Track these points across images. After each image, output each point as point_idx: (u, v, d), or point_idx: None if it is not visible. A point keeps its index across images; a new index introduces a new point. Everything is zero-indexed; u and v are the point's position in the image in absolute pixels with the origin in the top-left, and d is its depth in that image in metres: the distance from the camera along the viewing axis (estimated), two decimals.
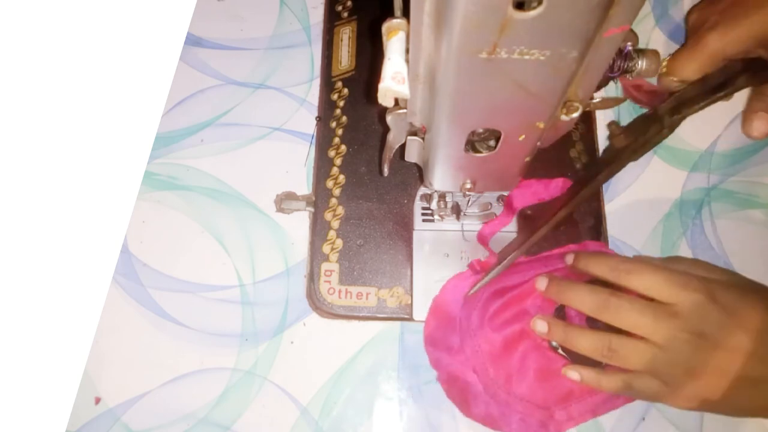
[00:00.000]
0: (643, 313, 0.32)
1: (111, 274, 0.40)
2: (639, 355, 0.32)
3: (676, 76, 0.37)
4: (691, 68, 0.37)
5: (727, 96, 0.35)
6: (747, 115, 0.40)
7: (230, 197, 0.42)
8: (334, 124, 0.42)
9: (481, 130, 0.27)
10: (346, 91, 0.43)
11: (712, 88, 0.36)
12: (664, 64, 0.38)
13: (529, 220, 0.39)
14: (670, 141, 0.43)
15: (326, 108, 0.43)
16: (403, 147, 0.30)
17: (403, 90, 0.22)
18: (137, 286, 0.40)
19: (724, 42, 0.36)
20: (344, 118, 0.42)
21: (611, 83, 0.38)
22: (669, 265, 0.35)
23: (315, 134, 0.43)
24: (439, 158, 0.29)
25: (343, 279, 0.39)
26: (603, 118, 0.43)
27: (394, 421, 0.37)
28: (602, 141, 0.42)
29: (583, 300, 0.34)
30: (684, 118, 0.35)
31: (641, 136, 0.36)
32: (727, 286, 0.32)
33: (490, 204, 0.40)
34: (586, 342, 0.33)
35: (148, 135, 0.43)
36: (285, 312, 0.39)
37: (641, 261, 0.35)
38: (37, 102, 0.44)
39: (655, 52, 0.35)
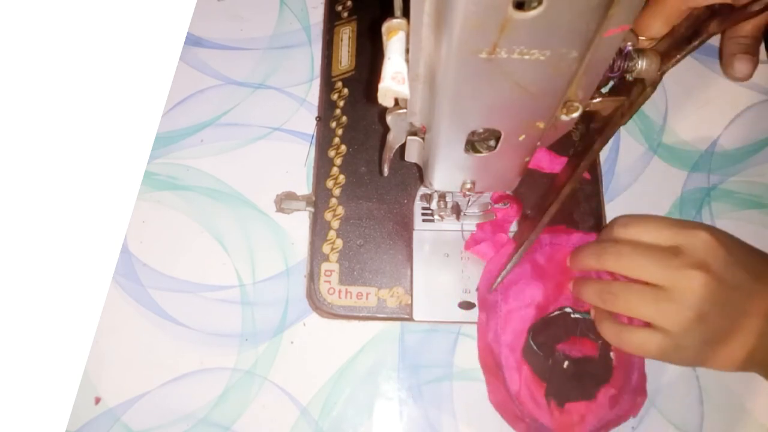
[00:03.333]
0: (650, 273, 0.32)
1: (111, 274, 0.40)
2: (641, 298, 0.31)
3: (644, 35, 0.37)
4: (657, 24, 0.36)
5: (701, 44, 0.35)
6: (726, 59, 0.40)
7: (230, 197, 0.42)
8: (334, 124, 0.42)
9: (481, 130, 0.27)
10: (346, 91, 0.43)
11: (684, 39, 0.35)
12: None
13: (529, 220, 0.39)
14: (670, 141, 0.43)
15: (326, 108, 0.43)
16: (403, 147, 0.30)
17: (403, 90, 0.22)
18: (137, 286, 0.40)
19: None
20: (344, 118, 0.42)
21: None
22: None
23: (315, 134, 0.43)
24: (439, 158, 0.29)
25: (343, 279, 0.39)
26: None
27: (394, 421, 0.37)
28: None
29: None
30: (663, 74, 0.35)
31: (626, 100, 0.35)
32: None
33: (490, 204, 0.40)
34: (591, 288, 0.34)
35: (148, 135, 0.43)
36: (285, 312, 0.39)
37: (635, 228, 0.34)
38: (38, 102, 0.44)
39: (656, 52, 0.35)
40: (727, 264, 0.31)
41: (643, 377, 0.35)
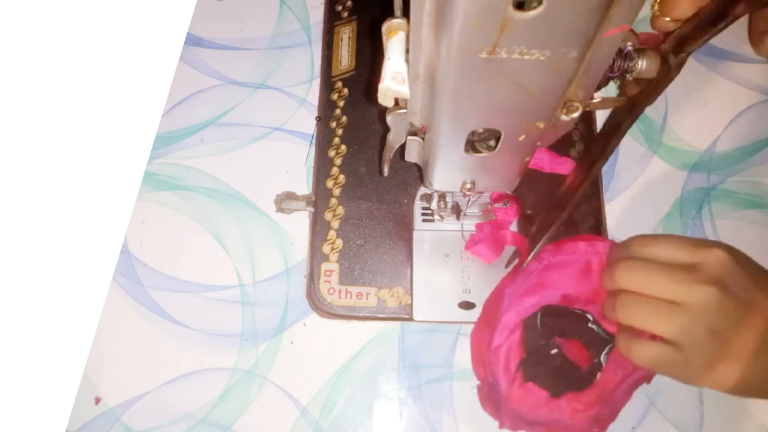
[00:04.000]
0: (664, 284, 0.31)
1: (111, 274, 0.40)
2: (654, 310, 0.31)
3: (670, 16, 0.36)
4: (683, 5, 0.35)
5: (726, 26, 0.34)
6: (756, 37, 0.40)
7: (230, 197, 0.42)
8: (334, 124, 0.42)
9: (481, 130, 0.27)
10: (346, 91, 0.43)
11: (710, 20, 0.34)
12: (656, 6, 0.36)
13: (530, 219, 0.39)
14: (671, 141, 0.43)
15: (326, 108, 0.43)
16: (403, 147, 0.30)
17: (403, 90, 0.22)
18: (137, 286, 0.40)
19: None
20: (344, 118, 0.42)
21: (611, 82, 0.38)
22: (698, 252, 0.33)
23: (315, 134, 0.43)
24: (439, 158, 0.29)
25: (343, 279, 0.39)
26: (603, 118, 0.43)
27: (394, 421, 0.37)
28: None
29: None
30: (689, 55, 0.34)
31: (652, 80, 0.34)
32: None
33: (490, 204, 0.40)
34: (607, 300, 0.34)
35: (148, 135, 0.43)
36: (285, 312, 0.39)
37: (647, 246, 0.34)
38: (38, 102, 0.44)
39: (656, 52, 0.34)
40: (742, 282, 0.31)
41: (611, 418, 0.35)
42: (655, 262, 0.32)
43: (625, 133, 0.35)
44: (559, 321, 0.35)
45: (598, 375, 0.35)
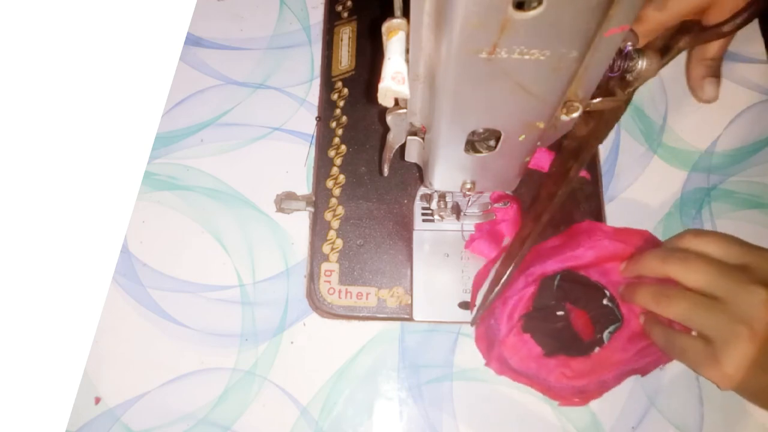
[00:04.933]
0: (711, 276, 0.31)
1: (111, 274, 0.40)
2: (695, 304, 0.31)
3: None
4: None
5: (671, 59, 0.35)
6: (695, 82, 0.40)
7: (230, 197, 0.42)
8: (334, 124, 0.42)
9: (481, 130, 0.27)
10: (346, 91, 0.43)
11: (656, 53, 0.36)
12: None
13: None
14: (671, 141, 0.43)
15: (326, 108, 0.43)
16: (403, 147, 0.30)
17: (403, 90, 0.22)
18: (137, 286, 0.40)
19: (665, 15, 0.36)
20: (344, 118, 0.42)
21: None
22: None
23: (315, 134, 0.43)
24: (439, 158, 0.29)
25: (343, 279, 0.39)
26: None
27: (394, 421, 0.37)
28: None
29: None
30: (636, 89, 0.34)
31: (601, 118, 0.35)
32: None
33: (490, 204, 0.40)
34: (646, 290, 0.34)
35: (148, 135, 0.43)
36: (285, 312, 0.39)
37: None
38: (38, 102, 0.44)
39: (655, 51, 0.34)
40: None
41: (595, 395, 0.35)
42: (708, 256, 0.32)
43: (574, 179, 0.35)
44: (575, 288, 0.35)
45: (596, 349, 0.35)
